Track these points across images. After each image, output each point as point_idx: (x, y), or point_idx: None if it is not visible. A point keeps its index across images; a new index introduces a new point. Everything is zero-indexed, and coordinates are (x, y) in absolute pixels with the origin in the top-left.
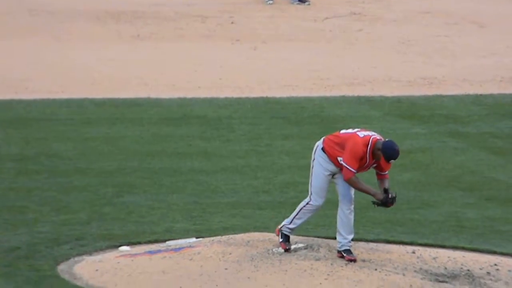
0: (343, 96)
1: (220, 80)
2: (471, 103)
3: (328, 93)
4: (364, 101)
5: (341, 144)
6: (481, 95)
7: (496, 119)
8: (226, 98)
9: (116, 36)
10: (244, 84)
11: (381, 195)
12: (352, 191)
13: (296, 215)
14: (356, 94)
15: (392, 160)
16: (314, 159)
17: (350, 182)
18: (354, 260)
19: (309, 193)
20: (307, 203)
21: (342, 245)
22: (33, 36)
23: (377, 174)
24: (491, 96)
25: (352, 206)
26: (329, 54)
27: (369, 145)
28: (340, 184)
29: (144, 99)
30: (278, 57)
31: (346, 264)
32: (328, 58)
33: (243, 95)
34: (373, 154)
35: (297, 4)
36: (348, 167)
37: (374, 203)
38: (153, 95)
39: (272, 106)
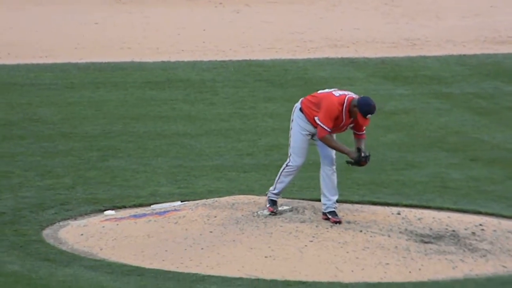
0: (327, 58)
1: (203, 44)
2: (455, 64)
3: (311, 55)
4: (347, 63)
5: (317, 104)
6: (464, 55)
7: (480, 79)
8: (209, 61)
9: (100, 0)
10: (228, 47)
11: (354, 154)
12: (334, 152)
13: (278, 178)
14: (339, 56)
15: (369, 115)
16: (292, 120)
17: (324, 141)
18: (339, 222)
19: (289, 154)
20: (287, 165)
21: (327, 207)
22: (15, 1)
23: (354, 134)
24: (475, 56)
25: (334, 167)
26: (312, 16)
27: (345, 104)
28: (320, 146)
29: (128, 63)
30: (261, 20)
31: (331, 226)
32: (311, 20)
33: (227, 58)
34: (350, 112)
35: None
36: (322, 125)
37: (348, 162)
38: (137, 59)
39: (256, 69)
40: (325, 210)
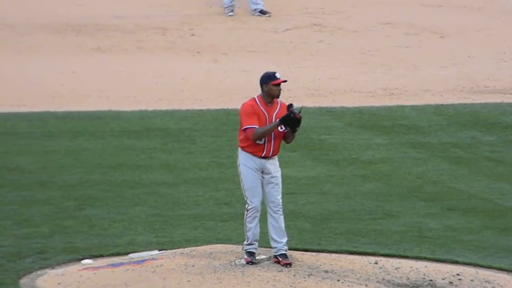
0: (304, 108)
1: (181, 92)
2: (432, 113)
3: None
4: (325, 112)
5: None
6: (442, 105)
7: (457, 129)
8: (187, 110)
9: (77, 49)
10: (205, 96)
11: (283, 117)
12: (280, 195)
13: (245, 228)
14: (317, 105)
15: (274, 80)
16: (239, 165)
17: (257, 137)
18: (290, 264)
19: (245, 199)
20: (246, 209)
21: (277, 250)
22: None
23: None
24: (452, 106)
25: (281, 210)
26: (290, 65)
27: (256, 98)
28: (266, 190)
29: (105, 111)
30: (239, 68)
31: (308, 275)
32: (289, 69)
33: (204, 107)
34: (264, 99)
35: (258, 15)
36: (246, 127)
37: (286, 127)
38: (114, 107)
39: (233, 118)
40: (276, 253)
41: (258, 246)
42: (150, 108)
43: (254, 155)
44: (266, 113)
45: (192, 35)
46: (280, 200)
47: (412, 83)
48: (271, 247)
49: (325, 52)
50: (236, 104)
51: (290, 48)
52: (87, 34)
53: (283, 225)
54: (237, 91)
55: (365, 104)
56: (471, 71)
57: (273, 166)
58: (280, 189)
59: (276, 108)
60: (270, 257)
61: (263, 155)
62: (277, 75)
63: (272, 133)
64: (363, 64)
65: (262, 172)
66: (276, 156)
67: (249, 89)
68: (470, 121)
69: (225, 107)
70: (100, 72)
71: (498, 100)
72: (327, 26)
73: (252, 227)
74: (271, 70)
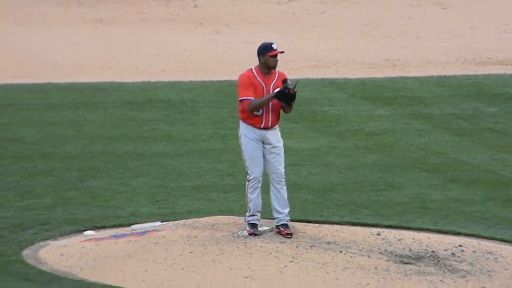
0: (307, 79)
1: (184, 64)
2: (435, 85)
3: (291, 76)
4: (327, 84)
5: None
6: (444, 76)
7: (460, 100)
8: (189, 82)
9: (79, 20)
10: (208, 67)
11: (277, 92)
12: (282, 166)
13: (247, 199)
14: (319, 77)
15: (271, 51)
16: (240, 136)
17: (252, 108)
18: (291, 234)
19: (246, 170)
20: (247, 180)
21: (279, 220)
22: None
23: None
24: (454, 77)
25: (283, 180)
26: (293, 36)
27: (253, 69)
28: (268, 160)
29: (108, 83)
30: (241, 40)
31: (311, 247)
32: (292, 40)
33: (207, 79)
34: (261, 70)
35: None
36: (242, 98)
37: (281, 100)
38: (117, 79)
39: (236, 89)
40: (277, 223)
41: (261, 218)
42: (152, 80)
43: (254, 127)
44: (263, 84)
45: (195, 6)
46: (283, 171)
47: (415, 54)
48: (273, 219)
49: (327, 23)
50: (238, 75)
51: (292, 19)
52: (89, 6)
53: (285, 195)
54: (239, 62)
55: (367, 76)
56: (473, 43)
57: (274, 136)
58: (282, 160)
59: (274, 79)
60: (272, 228)
61: (262, 126)
62: (274, 46)
63: (270, 104)
64: (366, 35)
65: (263, 143)
66: (277, 127)
67: (251, 61)
68: (472, 93)
69: (227, 78)
70: (102, 44)
71: (501, 72)
72: None
73: (253, 198)
74: (273, 41)
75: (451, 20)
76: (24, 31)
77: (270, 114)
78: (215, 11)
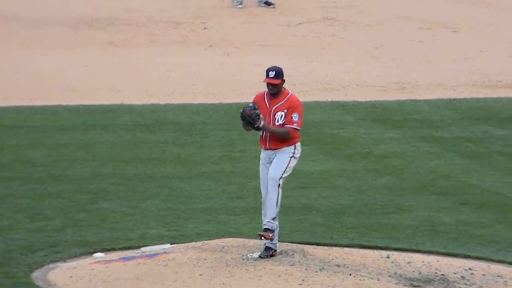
0: (317, 102)
1: (194, 86)
2: (445, 108)
3: (301, 99)
4: (337, 106)
5: None
6: (454, 99)
7: (470, 123)
8: (199, 104)
9: (89, 43)
10: (218, 90)
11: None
12: (276, 170)
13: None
14: (329, 99)
15: (265, 77)
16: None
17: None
18: (267, 238)
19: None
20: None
21: (263, 224)
22: (5, 43)
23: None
24: (464, 100)
25: (274, 183)
26: (302, 59)
27: (265, 94)
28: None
29: (118, 105)
30: (251, 62)
31: (320, 269)
32: (301, 63)
33: (217, 101)
34: (268, 94)
35: (263, 6)
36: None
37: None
38: (127, 101)
39: None
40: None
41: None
42: (162, 102)
43: (261, 147)
44: (268, 105)
45: (205, 28)
46: (274, 174)
47: (425, 77)
48: (283, 241)
49: (337, 46)
50: (248, 98)
51: (302, 42)
52: (99, 28)
53: (273, 201)
54: (249, 85)
55: (377, 98)
56: (483, 66)
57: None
58: (279, 165)
59: (278, 103)
60: (282, 251)
61: (263, 147)
62: (270, 73)
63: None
64: (376, 58)
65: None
66: (281, 150)
67: (261, 83)
68: (482, 116)
69: (237, 101)
70: (113, 66)
71: (511, 95)
72: (339, 20)
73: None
74: (283, 64)
75: (461, 43)
76: (35, 53)
77: (267, 136)
78: (225, 34)
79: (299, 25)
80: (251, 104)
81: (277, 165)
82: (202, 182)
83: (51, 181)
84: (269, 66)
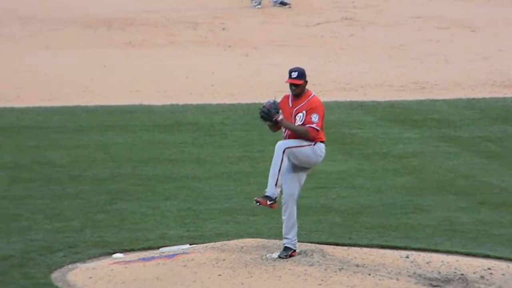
0: (336, 102)
1: (212, 87)
2: (463, 107)
3: (320, 99)
4: (356, 106)
5: None
6: (473, 99)
7: (489, 123)
8: (218, 105)
9: (108, 43)
10: (237, 90)
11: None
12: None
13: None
14: (348, 99)
15: (288, 78)
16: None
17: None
18: (258, 202)
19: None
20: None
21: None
22: (24, 44)
23: None
24: (483, 100)
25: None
26: (321, 59)
27: (290, 95)
28: None
29: (136, 106)
30: (270, 62)
31: (340, 269)
32: (320, 63)
33: (236, 101)
34: (292, 95)
35: (278, 6)
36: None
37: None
38: (145, 102)
39: None
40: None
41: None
42: (181, 102)
43: None
44: (291, 106)
45: (223, 29)
46: (281, 144)
47: (443, 77)
48: (302, 241)
49: (356, 46)
50: (267, 98)
51: (321, 42)
52: (118, 29)
53: (272, 165)
54: (268, 85)
55: (396, 98)
56: (502, 65)
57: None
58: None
59: (301, 103)
60: (301, 251)
61: None
62: (293, 73)
63: (284, 129)
64: (394, 58)
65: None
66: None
67: (280, 83)
68: (501, 115)
69: (256, 101)
70: (131, 67)
71: None
72: (358, 20)
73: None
74: (302, 64)
75: (479, 43)
76: (53, 54)
77: (288, 136)
78: (243, 34)
79: (318, 25)
80: (272, 100)
81: (291, 141)
82: (221, 183)
83: (70, 182)
84: (288, 66)
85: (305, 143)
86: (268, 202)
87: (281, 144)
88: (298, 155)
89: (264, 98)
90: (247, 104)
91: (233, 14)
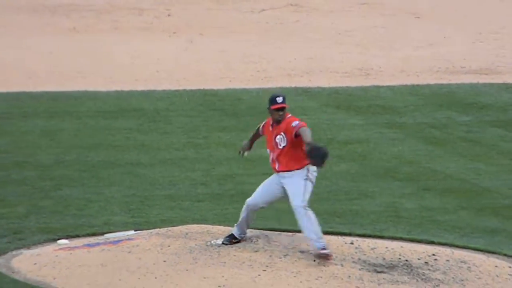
0: (281, 87)
1: (157, 73)
2: (408, 94)
3: (265, 85)
4: (301, 92)
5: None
6: (417, 85)
7: (433, 110)
8: (163, 91)
9: (53, 29)
10: (181, 76)
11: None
12: (291, 199)
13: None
14: (293, 85)
15: (274, 104)
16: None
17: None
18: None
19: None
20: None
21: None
22: None
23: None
24: (428, 86)
25: (295, 211)
26: (266, 45)
27: (269, 122)
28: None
29: (81, 92)
30: (215, 49)
31: (284, 255)
32: (265, 49)
33: (180, 88)
34: (272, 122)
35: None
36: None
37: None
38: (90, 88)
39: (209, 98)
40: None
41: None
42: (126, 89)
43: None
44: (272, 132)
45: (169, 15)
46: (295, 203)
47: (388, 63)
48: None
49: (301, 32)
50: (212, 84)
51: (266, 28)
52: (62, 15)
53: (301, 224)
54: (213, 71)
55: (341, 85)
56: (447, 52)
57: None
58: (294, 193)
59: (279, 126)
60: (246, 237)
61: (274, 169)
62: (278, 99)
63: (273, 150)
64: (339, 44)
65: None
66: (293, 174)
67: (225, 70)
68: (446, 102)
69: (201, 87)
70: (76, 53)
71: (474, 81)
72: (303, 6)
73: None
74: (247, 51)
75: (424, 29)
76: None
77: (276, 158)
78: (188, 20)
79: (263, 11)
80: (321, 145)
81: (295, 193)
82: (165, 169)
83: (15, 167)
84: (233, 52)
85: (301, 179)
86: (328, 251)
87: (295, 204)
88: (307, 195)
89: (209, 84)
90: (192, 90)
91: (178, 0)
